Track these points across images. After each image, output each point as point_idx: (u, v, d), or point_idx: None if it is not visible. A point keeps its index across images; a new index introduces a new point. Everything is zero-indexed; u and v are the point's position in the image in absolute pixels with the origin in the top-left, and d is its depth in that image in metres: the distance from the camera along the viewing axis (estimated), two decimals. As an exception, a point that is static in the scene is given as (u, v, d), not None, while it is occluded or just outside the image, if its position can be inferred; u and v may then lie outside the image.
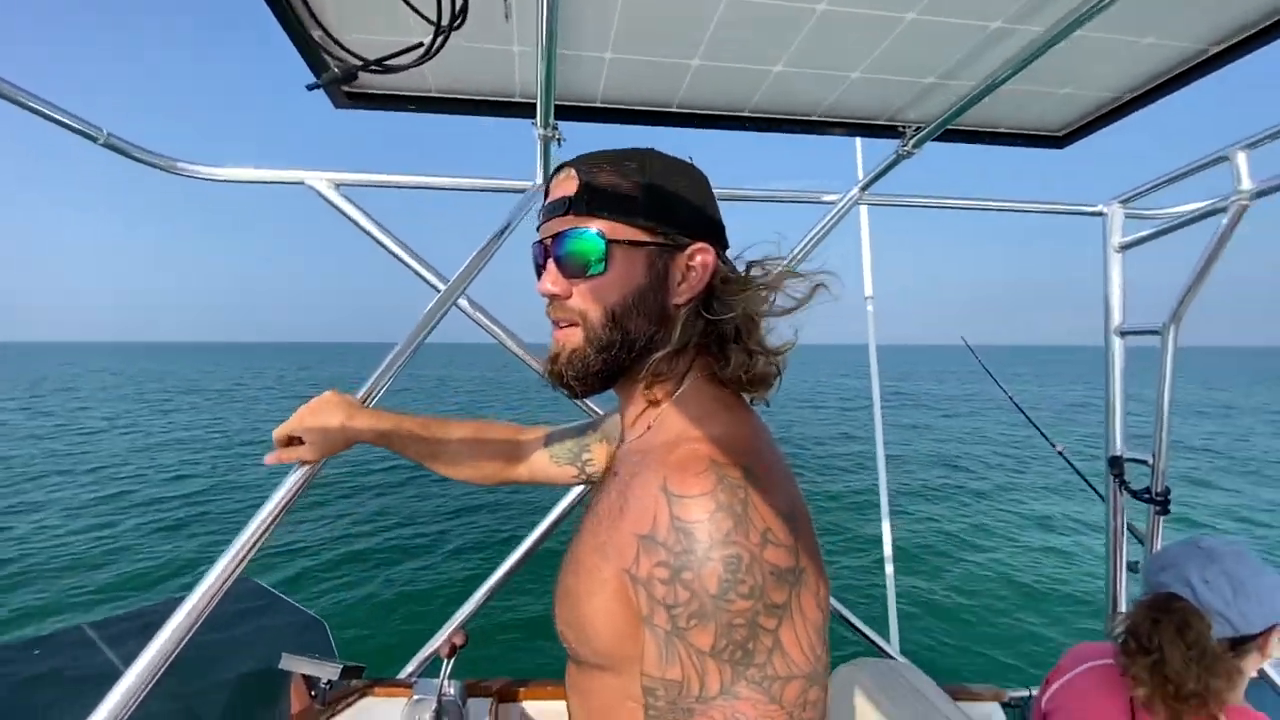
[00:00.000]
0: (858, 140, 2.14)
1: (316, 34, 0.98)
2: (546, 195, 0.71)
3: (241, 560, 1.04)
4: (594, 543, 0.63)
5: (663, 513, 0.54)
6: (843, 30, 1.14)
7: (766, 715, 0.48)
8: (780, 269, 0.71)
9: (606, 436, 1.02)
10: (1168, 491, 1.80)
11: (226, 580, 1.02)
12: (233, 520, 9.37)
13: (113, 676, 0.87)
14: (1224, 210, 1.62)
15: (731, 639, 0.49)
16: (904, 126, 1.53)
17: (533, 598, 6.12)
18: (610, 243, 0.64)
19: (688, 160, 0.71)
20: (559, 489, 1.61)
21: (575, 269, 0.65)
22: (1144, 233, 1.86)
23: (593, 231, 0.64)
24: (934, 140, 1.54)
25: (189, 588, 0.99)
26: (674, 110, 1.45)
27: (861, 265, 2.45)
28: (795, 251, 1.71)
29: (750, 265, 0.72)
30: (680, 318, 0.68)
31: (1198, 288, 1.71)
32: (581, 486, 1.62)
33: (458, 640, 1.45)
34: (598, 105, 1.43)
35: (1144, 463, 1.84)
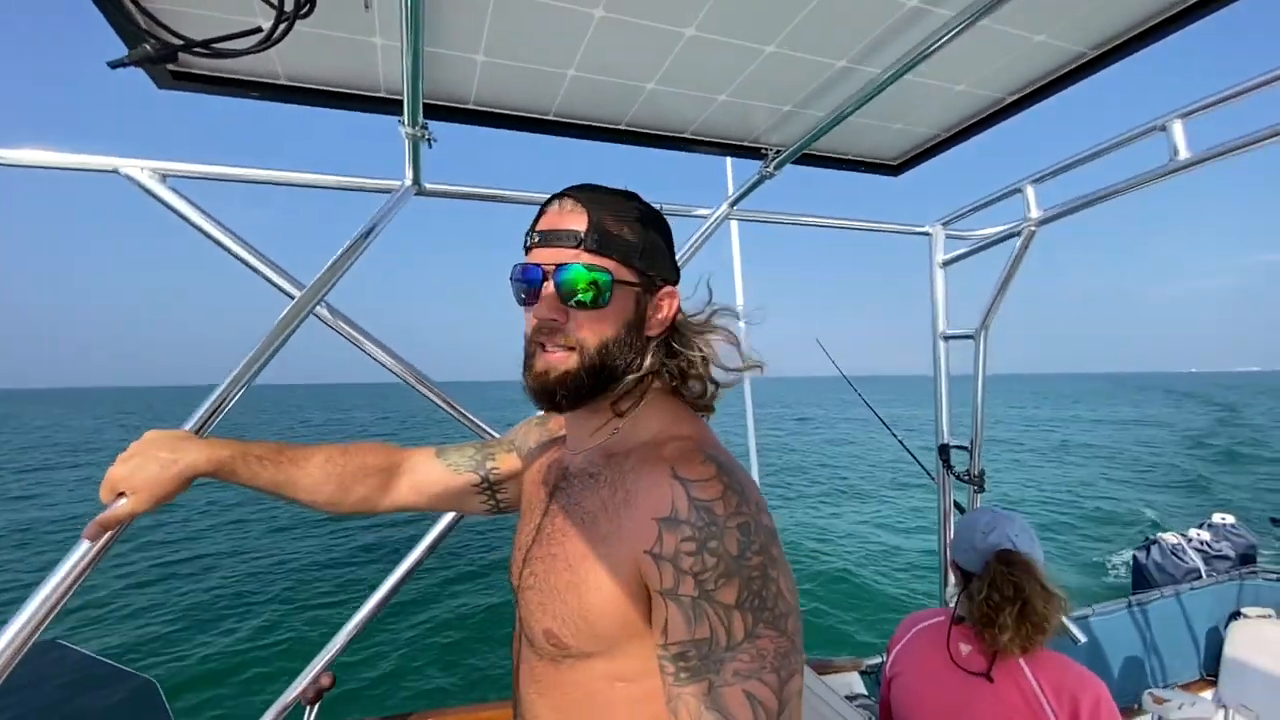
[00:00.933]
0: (728, 160, 2.26)
1: (127, 1, 0.85)
2: (539, 219, 0.76)
3: (40, 621, 0.89)
4: (594, 535, 0.70)
5: (680, 496, 0.63)
6: (709, 55, 1.20)
7: (780, 646, 0.59)
8: (726, 317, 0.84)
9: (515, 447, 1.05)
10: (983, 473, 2.10)
11: (22, 645, 0.87)
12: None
13: None
14: (1018, 234, 1.94)
15: (750, 590, 0.59)
16: (766, 149, 1.65)
17: (414, 626, 5.76)
18: (615, 282, 0.72)
19: (659, 209, 0.81)
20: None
21: (578, 300, 0.71)
22: (960, 250, 2.17)
23: (604, 270, 0.71)
24: (794, 164, 1.69)
25: None
26: (550, 118, 1.44)
27: (734, 280, 2.62)
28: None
29: (713, 313, 0.84)
30: (649, 347, 0.78)
31: (1000, 299, 2.03)
32: (452, 515, 1.54)
33: (325, 681, 1.32)
34: (470, 107, 1.38)
35: (965, 449, 2.13)
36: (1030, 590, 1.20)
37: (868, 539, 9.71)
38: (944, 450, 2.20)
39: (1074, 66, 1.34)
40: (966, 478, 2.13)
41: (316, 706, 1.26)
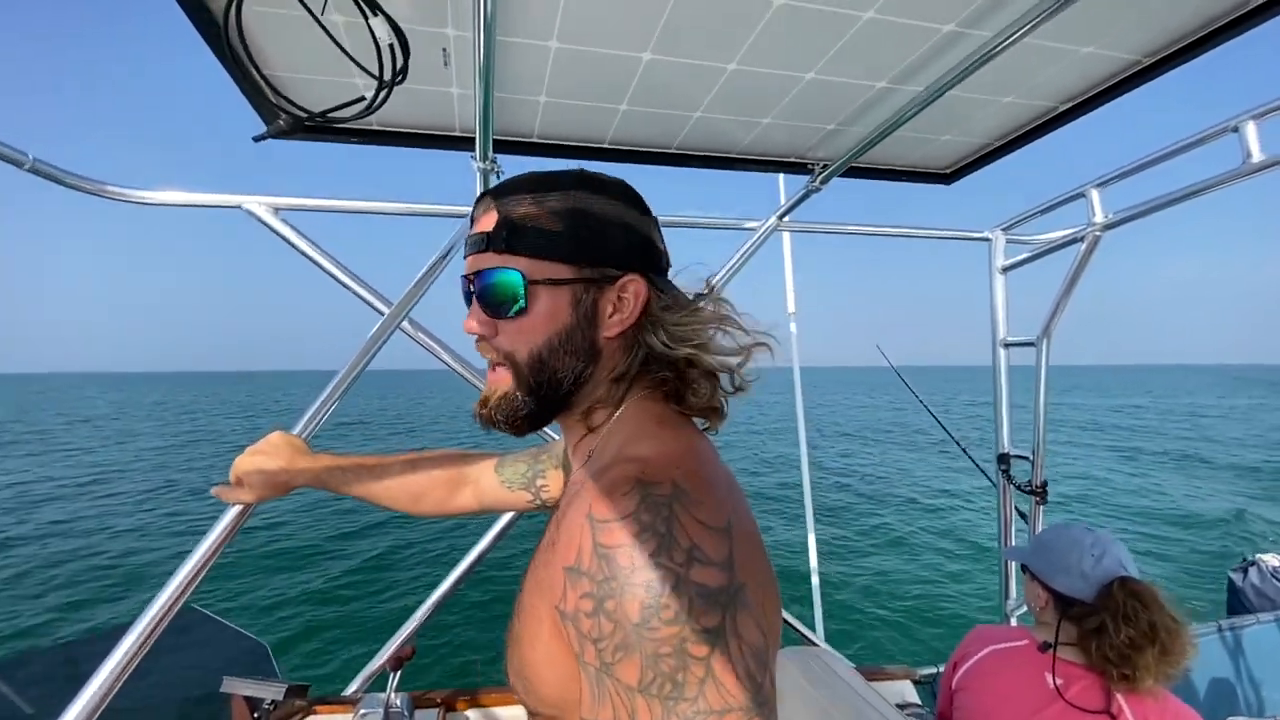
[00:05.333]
0: (780, 175, 2.32)
1: (263, 84, 1.03)
2: (472, 226, 0.68)
3: (183, 592, 1.07)
4: (534, 582, 0.60)
5: (586, 541, 0.51)
6: (752, 85, 1.28)
7: None
8: (715, 298, 0.70)
9: (563, 462, 0.99)
10: (1045, 484, 2.05)
11: (169, 611, 1.05)
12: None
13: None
14: (1082, 240, 1.89)
15: (658, 670, 0.45)
16: (813, 164, 1.70)
17: (480, 609, 6.13)
18: (530, 283, 0.62)
19: (618, 183, 0.68)
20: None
21: (496, 308, 0.64)
22: (1022, 256, 2.12)
23: (511, 271, 0.62)
24: (841, 176, 1.73)
25: (121, 623, 1.02)
26: (606, 146, 1.57)
27: (785, 287, 2.67)
28: (721, 273, 1.86)
29: (698, 295, 0.70)
30: (615, 348, 0.66)
31: (1064, 305, 1.98)
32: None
33: (404, 653, 1.49)
34: (534, 140, 1.52)
35: (1026, 458, 2.09)
36: (1171, 627, 1.10)
37: (918, 543, 9.38)
38: (1004, 459, 2.16)
39: (1129, 74, 1.32)
40: (1028, 488, 2.08)
41: (399, 673, 1.43)
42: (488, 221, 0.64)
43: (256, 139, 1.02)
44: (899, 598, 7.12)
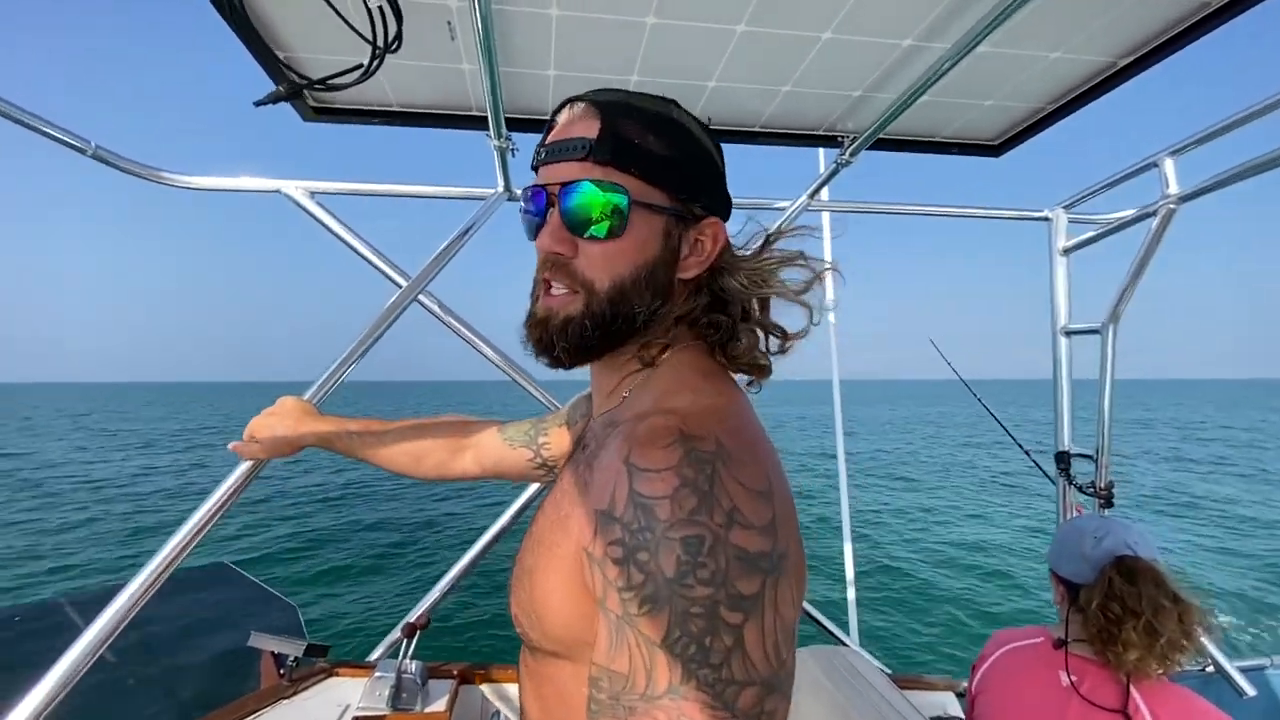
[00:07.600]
0: (820, 151, 2.22)
1: (280, 54, 1.08)
2: (549, 131, 0.62)
3: (185, 547, 1.09)
4: (556, 517, 0.58)
5: (622, 487, 0.48)
6: (764, 48, 1.23)
7: None
8: (786, 251, 0.66)
9: (567, 420, 1.00)
10: (1111, 485, 1.86)
11: (171, 563, 1.08)
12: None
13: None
14: (1154, 214, 1.70)
15: (685, 630, 0.42)
16: (842, 136, 1.62)
17: (496, 587, 6.34)
18: (634, 204, 0.57)
19: (705, 120, 0.65)
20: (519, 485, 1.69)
21: (586, 225, 0.57)
22: (1086, 235, 1.94)
23: (617, 188, 0.56)
24: (877, 149, 1.64)
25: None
26: (622, 123, 1.55)
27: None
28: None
29: (764, 244, 0.67)
30: (684, 291, 0.64)
31: (1133, 288, 1.79)
32: (534, 488, 1.69)
33: (418, 623, 1.53)
34: (548, 117, 1.52)
35: (1089, 457, 1.90)
36: (1159, 603, 1.02)
37: (973, 551, 8.81)
38: (1063, 458, 1.97)
39: (1196, 19, 1.17)
40: (1090, 490, 1.90)
41: (413, 642, 1.47)
42: (586, 128, 0.57)
43: (257, 104, 1.07)
44: (953, 608, 6.71)
